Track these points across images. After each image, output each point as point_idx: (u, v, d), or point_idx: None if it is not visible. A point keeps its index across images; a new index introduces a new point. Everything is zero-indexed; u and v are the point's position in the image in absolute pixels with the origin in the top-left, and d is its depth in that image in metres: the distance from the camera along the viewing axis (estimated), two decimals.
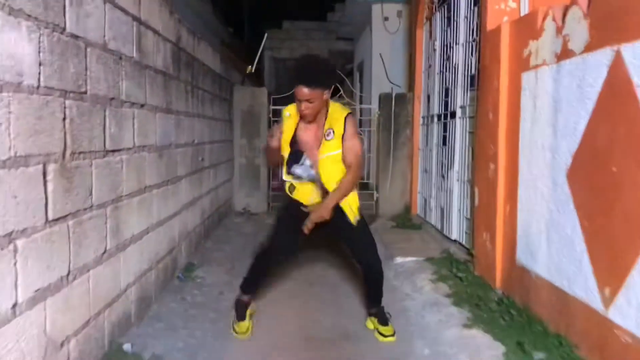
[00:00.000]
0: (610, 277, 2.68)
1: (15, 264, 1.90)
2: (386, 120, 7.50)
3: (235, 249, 5.64)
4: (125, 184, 3.04)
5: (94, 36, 2.58)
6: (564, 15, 3.23)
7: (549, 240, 3.35)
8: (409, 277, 4.70)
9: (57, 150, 2.20)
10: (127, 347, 2.94)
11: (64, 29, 2.26)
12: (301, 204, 3.37)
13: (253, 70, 8.40)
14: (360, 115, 9.86)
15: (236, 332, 3.49)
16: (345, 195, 3.30)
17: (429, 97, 6.78)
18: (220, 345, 3.34)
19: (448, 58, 5.88)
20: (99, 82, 2.64)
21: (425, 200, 6.82)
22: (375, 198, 7.86)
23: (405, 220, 7.04)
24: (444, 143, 5.96)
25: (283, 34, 14.76)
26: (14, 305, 1.90)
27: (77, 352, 2.43)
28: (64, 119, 2.26)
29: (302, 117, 3.27)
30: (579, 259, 2.98)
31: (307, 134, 3.30)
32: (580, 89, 2.99)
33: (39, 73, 2.05)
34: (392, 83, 8.05)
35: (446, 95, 5.93)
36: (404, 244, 5.81)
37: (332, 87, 3.37)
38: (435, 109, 6.41)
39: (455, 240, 5.51)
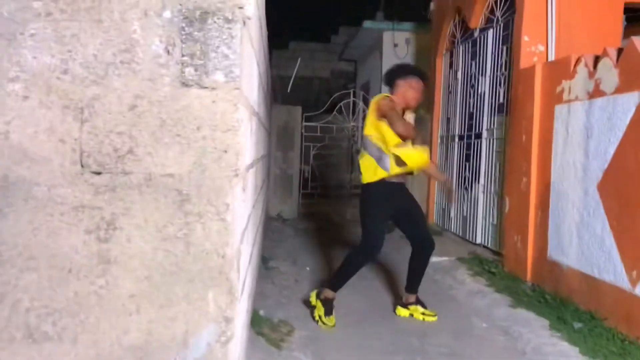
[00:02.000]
0: (636, 263, 3.59)
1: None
2: None
3: (287, 246, 6.48)
4: (255, 184, 3.85)
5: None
6: (595, 63, 4.18)
7: (580, 238, 4.26)
8: (448, 272, 5.57)
9: (259, 155, 3.03)
10: (262, 313, 3.74)
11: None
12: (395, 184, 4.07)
13: (289, 90, 9.29)
14: None
15: (324, 324, 3.95)
16: None
17: (448, 119, 7.73)
18: None
19: (472, 86, 6.83)
20: (258, 105, 3.48)
21: (444, 210, 7.72)
22: None
23: None
24: (467, 160, 6.89)
25: (289, 53, 15.67)
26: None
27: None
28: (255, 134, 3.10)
29: (414, 102, 4.16)
30: (608, 251, 3.89)
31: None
32: (610, 121, 3.93)
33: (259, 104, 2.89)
34: None
35: (470, 119, 6.87)
36: None
37: None
38: (457, 129, 7.34)
39: (479, 244, 6.41)
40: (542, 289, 4.73)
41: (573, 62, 4.48)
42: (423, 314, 4.24)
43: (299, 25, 16.22)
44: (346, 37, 14.47)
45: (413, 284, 4.31)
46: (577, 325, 3.89)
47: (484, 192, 6.39)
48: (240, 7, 1.65)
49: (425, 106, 9.34)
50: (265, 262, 5.31)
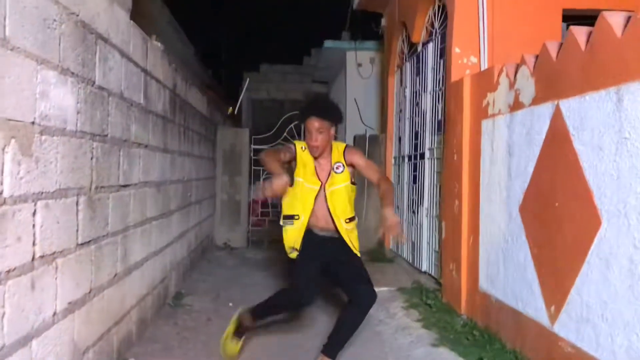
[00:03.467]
0: (555, 297, 3.14)
1: (56, 278, 2.27)
2: None
3: (218, 280, 5.99)
4: (132, 215, 3.41)
5: (114, 87, 3.00)
6: (516, 72, 3.77)
7: (506, 267, 3.81)
8: (383, 305, 5.09)
9: (86, 184, 2.59)
10: None
11: (94, 82, 2.68)
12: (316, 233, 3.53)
13: (235, 112, 8.89)
14: None
15: (225, 351, 3.56)
16: (392, 196, 3.48)
17: (400, 139, 7.31)
18: None
19: (417, 104, 6.43)
20: (116, 126, 3.05)
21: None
22: None
23: (379, 255, 7.47)
24: (414, 181, 6.46)
25: (261, 76, 15.34)
26: (54, 314, 2.26)
27: None
28: (92, 158, 2.66)
29: (311, 150, 3.43)
30: (530, 282, 3.44)
31: (322, 172, 3.51)
32: (529, 135, 3.50)
33: (77, 120, 2.46)
34: (366, 125, 8.59)
35: (416, 138, 6.46)
36: (377, 275, 6.18)
37: (337, 125, 3.59)
38: (406, 150, 6.92)
39: (425, 272, 5.95)
40: (474, 323, 4.25)
41: (496, 73, 4.07)
42: None
43: (270, 48, 15.98)
44: (316, 58, 14.15)
45: (334, 343, 3.52)
46: None
47: (427, 216, 5.94)
48: None
49: (379, 127, 8.98)
50: (178, 299, 4.83)
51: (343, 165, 3.53)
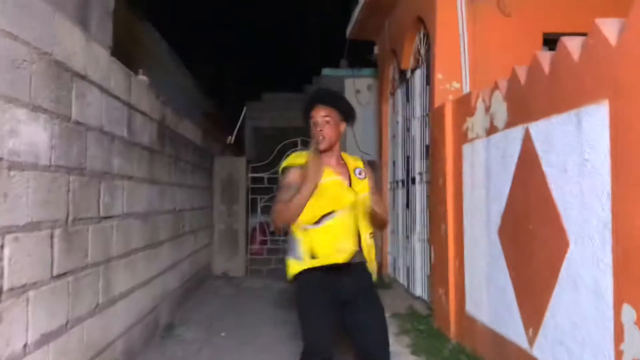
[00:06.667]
0: (532, 319, 3.15)
1: (27, 311, 2.33)
2: None
3: (213, 309, 6.01)
4: (114, 246, 3.48)
5: (93, 121, 3.10)
6: (490, 97, 3.84)
7: (488, 291, 3.82)
8: None
9: (61, 217, 2.67)
10: None
11: (70, 118, 2.77)
12: (330, 267, 2.70)
13: (232, 141, 9.01)
14: None
15: None
16: (382, 211, 2.83)
17: (394, 163, 7.38)
18: None
19: (408, 129, 6.51)
20: (96, 159, 3.14)
21: (394, 260, 7.28)
22: None
23: (377, 280, 7.46)
24: (407, 206, 6.50)
25: (263, 104, 15.54)
26: (25, 345, 2.31)
27: None
28: (68, 191, 2.74)
29: (318, 141, 2.74)
30: (510, 305, 3.45)
31: (339, 172, 2.80)
32: (504, 159, 3.55)
33: (51, 155, 2.54)
34: (361, 152, 8.66)
35: (407, 163, 6.52)
36: None
37: (346, 123, 2.91)
38: (400, 175, 6.98)
39: (419, 297, 5.95)
40: (462, 348, 4.25)
41: (474, 98, 4.14)
42: None
43: (272, 77, 16.24)
44: (317, 86, 14.32)
45: None
46: None
47: (419, 241, 5.97)
48: None
49: (377, 152, 9.06)
50: (169, 329, 4.86)
51: (364, 174, 2.89)
